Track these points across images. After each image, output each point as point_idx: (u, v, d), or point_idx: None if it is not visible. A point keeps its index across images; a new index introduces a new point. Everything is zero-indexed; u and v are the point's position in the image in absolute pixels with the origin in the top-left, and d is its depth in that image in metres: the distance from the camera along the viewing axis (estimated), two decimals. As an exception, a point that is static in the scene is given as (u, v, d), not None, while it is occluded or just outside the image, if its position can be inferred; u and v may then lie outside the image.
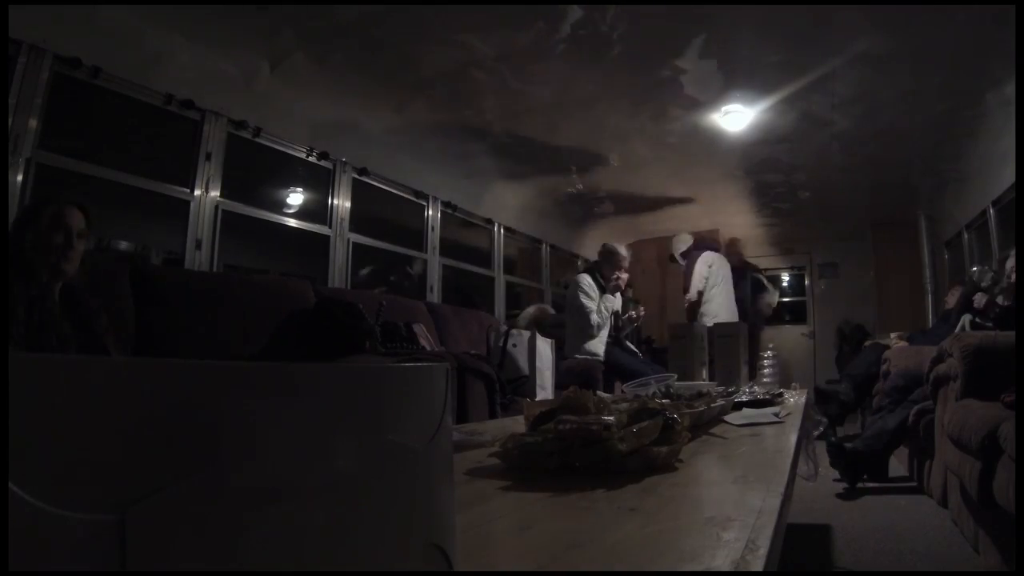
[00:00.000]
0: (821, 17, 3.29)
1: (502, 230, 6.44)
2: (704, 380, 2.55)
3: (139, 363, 0.27)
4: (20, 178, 2.83)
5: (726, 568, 0.47)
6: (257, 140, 4.00)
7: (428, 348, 3.61)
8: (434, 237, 5.47)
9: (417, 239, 5.40)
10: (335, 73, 3.86)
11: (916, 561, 2.16)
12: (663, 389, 1.65)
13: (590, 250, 7.82)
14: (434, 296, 5.35)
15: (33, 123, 2.90)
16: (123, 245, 3.95)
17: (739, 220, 7.45)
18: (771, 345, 2.77)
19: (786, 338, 7.81)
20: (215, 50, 3.51)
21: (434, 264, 5.45)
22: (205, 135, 3.66)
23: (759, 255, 8.40)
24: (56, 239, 1.99)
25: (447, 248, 5.63)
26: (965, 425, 2.11)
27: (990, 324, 3.64)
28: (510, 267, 6.68)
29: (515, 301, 6.72)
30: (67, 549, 0.24)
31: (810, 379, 6.46)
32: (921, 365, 3.22)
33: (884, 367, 4.22)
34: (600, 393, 1.41)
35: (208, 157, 3.66)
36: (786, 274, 8.58)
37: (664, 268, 8.04)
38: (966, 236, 5.88)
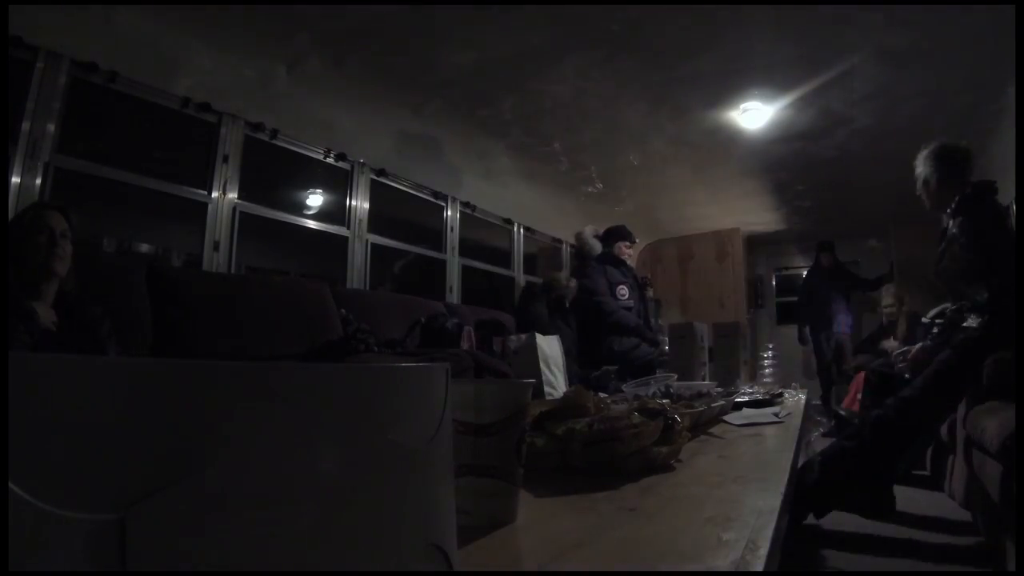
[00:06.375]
0: (838, 13, 3.26)
1: (522, 230, 6.44)
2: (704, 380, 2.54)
3: (139, 363, 0.27)
4: (39, 182, 2.87)
5: (726, 568, 0.47)
6: (274, 142, 4.03)
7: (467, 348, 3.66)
8: (453, 237, 5.48)
9: (436, 239, 5.43)
10: (352, 74, 3.88)
11: (934, 564, 2.13)
12: (663, 389, 1.65)
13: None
14: (453, 296, 5.36)
15: (51, 128, 2.94)
16: (144, 248, 4.00)
17: (758, 218, 7.39)
18: (771, 345, 2.73)
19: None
20: (232, 53, 3.54)
21: (454, 265, 5.46)
22: (222, 137, 3.69)
23: (779, 254, 8.32)
24: (40, 239, 2.05)
25: (467, 248, 5.65)
26: (986, 427, 2.08)
27: None
28: (530, 267, 6.68)
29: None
30: (67, 549, 0.24)
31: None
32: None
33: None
34: (602, 393, 1.41)
35: (225, 159, 3.69)
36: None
37: (685, 267, 8.00)
38: (990, 233, 5.77)
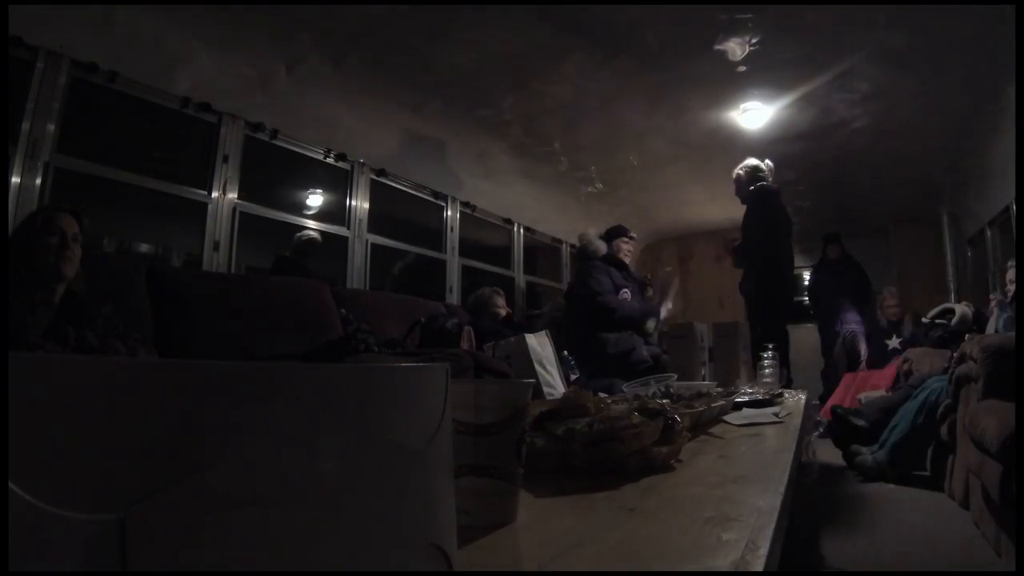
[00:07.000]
0: (839, 13, 3.26)
1: (522, 230, 6.45)
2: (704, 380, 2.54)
3: (139, 363, 0.27)
4: (39, 182, 2.87)
5: (726, 568, 0.47)
6: (274, 142, 4.03)
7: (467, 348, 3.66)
8: (453, 237, 5.48)
9: (436, 239, 5.43)
10: (352, 74, 3.87)
11: (934, 563, 2.13)
12: (663, 389, 1.65)
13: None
14: (453, 297, 5.36)
15: (51, 127, 2.93)
16: (144, 248, 4.00)
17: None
18: (771, 345, 2.73)
19: (807, 338, 7.69)
20: (232, 53, 3.53)
21: (453, 265, 5.46)
22: (222, 137, 3.69)
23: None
24: (50, 241, 2.05)
25: (467, 248, 5.65)
26: (986, 427, 2.08)
27: None
28: (530, 267, 6.67)
29: (535, 301, 6.72)
30: (67, 549, 0.24)
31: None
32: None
33: (905, 367, 4.17)
34: (602, 393, 1.41)
35: (225, 159, 3.69)
36: (807, 272, 8.46)
37: (685, 267, 8.00)
38: (989, 233, 5.78)
